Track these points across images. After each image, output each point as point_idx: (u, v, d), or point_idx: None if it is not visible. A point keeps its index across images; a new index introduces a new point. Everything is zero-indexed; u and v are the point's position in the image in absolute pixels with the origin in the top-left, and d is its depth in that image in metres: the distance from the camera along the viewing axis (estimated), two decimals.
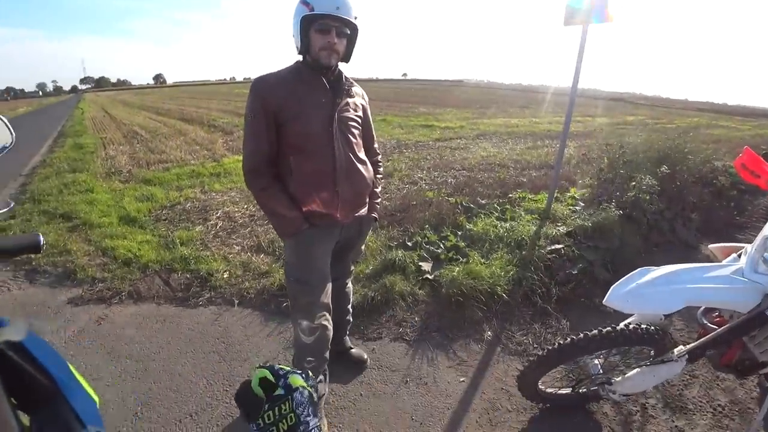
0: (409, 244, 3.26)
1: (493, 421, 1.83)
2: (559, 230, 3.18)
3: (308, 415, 0.56)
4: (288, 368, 0.61)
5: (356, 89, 1.65)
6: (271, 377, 0.57)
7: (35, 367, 0.52)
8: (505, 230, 3.25)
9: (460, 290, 2.53)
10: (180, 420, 1.89)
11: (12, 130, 1.01)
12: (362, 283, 2.79)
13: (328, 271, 1.65)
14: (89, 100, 43.93)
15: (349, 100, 1.58)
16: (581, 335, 1.51)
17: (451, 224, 3.60)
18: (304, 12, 1.39)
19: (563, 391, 1.81)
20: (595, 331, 1.49)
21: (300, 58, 1.53)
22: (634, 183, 3.64)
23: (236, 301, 2.78)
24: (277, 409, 0.55)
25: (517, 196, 4.31)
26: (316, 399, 0.58)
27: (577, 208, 3.76)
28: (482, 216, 3.67)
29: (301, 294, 1.60)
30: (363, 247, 1.93)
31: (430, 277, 2.78)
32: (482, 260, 2.88)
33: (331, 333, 1.70)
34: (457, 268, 2.72)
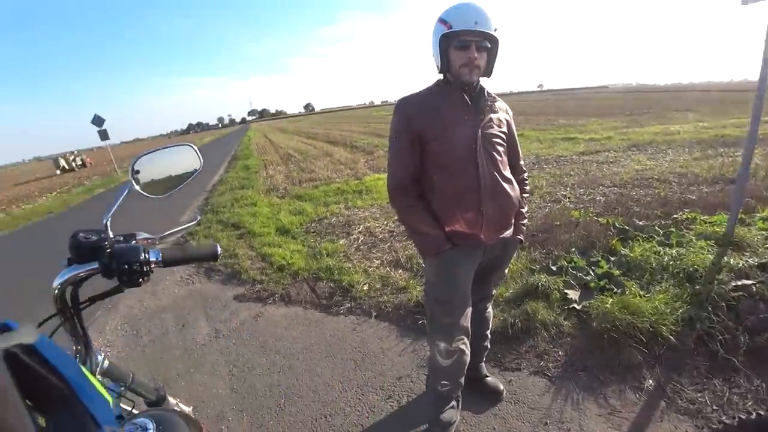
0: (554, 268, 2.99)
1: None
2: (747, 261, 2.58)
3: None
4: None
5: (500, 104, 1.59)
6: None
7: (48, 369, 0.53)
8: (670, 258, 2.78)
9: (614, 325, 2.21)
10: (315, 419, 2.03)
11: (201, 157, 1.19)
12: (501, 308, 2.64)
13: (470, 293, 1.60)
14: (254, 128, 51.76)
15: (493, 115, 1.53)
16: None
17: (603, 248, 3.22)
18: (442, 30, 1.40)
19: None
20: None
21: (440, 76, 1.53)
22: None
23: (374, 314, 2.89)
24: None
25: (685, 216, 3.65)
26: None
27: None
28: (640, 240, 3.20)
29: (441, 315, 1.58)
30: (506, 270, 1.83)
31: (577, 307, 2.50)
32: (642, 292, 2.49)
33: (468, 358, 1.64)
34: (611, 300, 2.40)
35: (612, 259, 3.01)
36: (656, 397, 1.92)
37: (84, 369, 0.62)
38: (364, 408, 2.07)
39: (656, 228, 3.43)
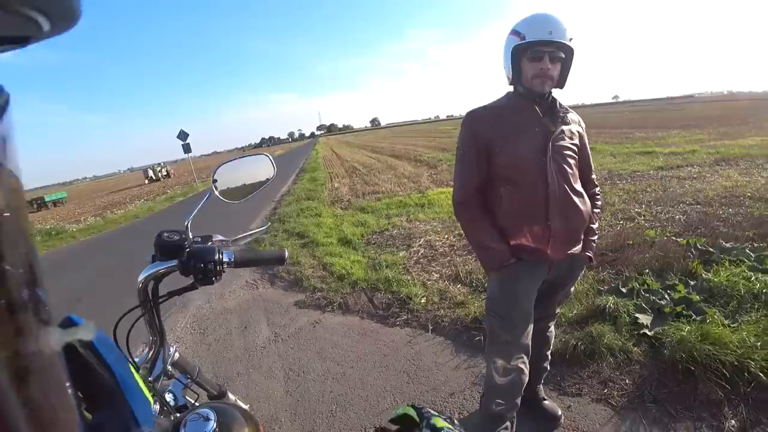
0: (623, 290, 2.80)
1: None
2: None
3: None
4: (434, 412, 0.59)
5: (572, 116, 1.55)
6: (415, 416, 0.56)
7: (102, 366, 0.56)
8: (763, 285, 2.49)
9: (692, 356, 2.01)
10: (365, 429, 2.06)
11: (275, 166, 1.29)
12: (563, 328, 2.52)
13: (532, 311, 1.56)
14: (322, 142, 53.94)
15: (565, 127, 1.49)
16: None
17: (681, 271, 2.96)
18: (515, 42, 1.40)
19: None
20: None
21: (511, 88, 1.53)
22: None
23: (430, 327, 2.89)
24: None
25: None
26: None
27: None
28: (727, 264, 2.90)
29: (501, 331, 1.56)
30: (572, 289, 1.76)
31: (649, 333, 2.32)
32: (726, 322, 2.25)
33: (526, 377, 1.59)
34: (688, 327, 2.19)
35: (691, 283, 2.76)
36: None
37: (133, 369, 0.66)
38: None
39: (747, 251, 3.10)
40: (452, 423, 0.58)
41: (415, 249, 4.48)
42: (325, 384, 2.44)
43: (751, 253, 3.05)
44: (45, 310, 0.24)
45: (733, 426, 1.78)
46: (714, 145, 9.88)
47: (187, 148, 18.31)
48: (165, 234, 0.92)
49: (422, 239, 4.77)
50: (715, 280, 2.69)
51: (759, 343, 2.02)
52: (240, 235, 1.13)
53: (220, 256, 0.90)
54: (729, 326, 2.20)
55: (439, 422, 0.56)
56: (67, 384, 0.28)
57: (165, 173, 34.90)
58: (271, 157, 1.30)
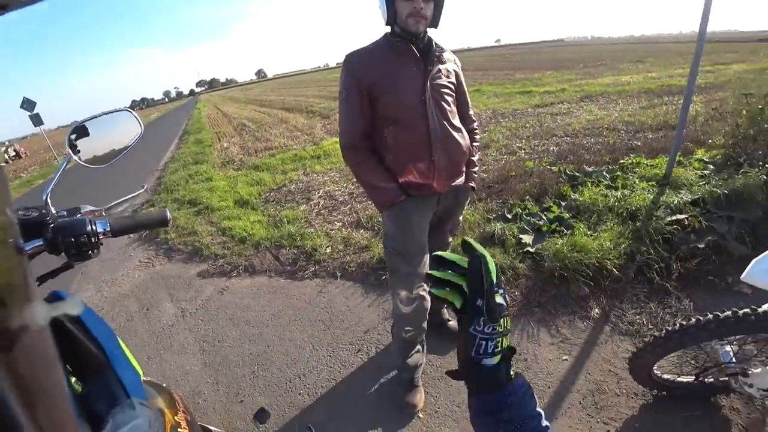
0: (509, 216, 3.12)
1: (598, 404, 1.70)
2: (682, 198, 2.78)
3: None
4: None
5: (447, 55, 1.59)
6: (494, 277, 0.51)
7: (89, 339, 0.57)
8: (615, 199, 2.95)
9: (565, 264, 2.36)
10: (290, 380, 2.09)
11: (141, 122, 1.15)
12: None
13: (426, 242, 1.65)
14: (204, 100, 49.16)
15: (441, 66, 1.54)
16: (710, 316, 1.28)
17: (554, 195, 3.37)
18: None
19: (684, 379, 1.59)
20: (729, 313, 1.25)
21: (388, 29, 1.52)
22: None
23: (339, 274, 2.94)
24: (505, 320, 0.50)
25: (630, 161, 3.85)
26: None
27: (706, 172, 3.24)
28: (589, 185, 3.36)
29: (400, 264, 1.63)
30: (461, 218, 1.89)
31: (531, 250, 2.64)
32: (589, 232, 2.65)
33: (428, 304, 1.71)
34: (561, 241, 2.55)
35: (563, 203, 3.17)
36: (601, 323, 2.12)
37: (120, 340, 0.63)
38: (335, 364, 2.15)
39: (604, 173, 3.61)
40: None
41: (315, 201, 4.45)
42: (243, 347, 2.40)
43: (607, 174, 3.56)
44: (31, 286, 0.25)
45: (597, 313, 2.18)
46: (580, 84, 11.08)
47: (36, 120, 15.10)
48: (20, 212, 0.79)
49: (321, 190, 4.74)
50: (581, 199, 3.11)
51: (613, 246, 2.45)
52: (113, 203, 1.00)
53: (93, 227, 0.80)
54: (591, 236, 2.59)
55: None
56: (56, 357, 0.28)
57: (13, 153, 28.68)
58: (134, 112, 1.15)
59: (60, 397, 0.30)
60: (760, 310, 1.23)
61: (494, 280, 0.50)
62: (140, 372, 0.63)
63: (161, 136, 15.16)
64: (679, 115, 3.18)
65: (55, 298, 0.57)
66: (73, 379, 0.58)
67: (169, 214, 0.96)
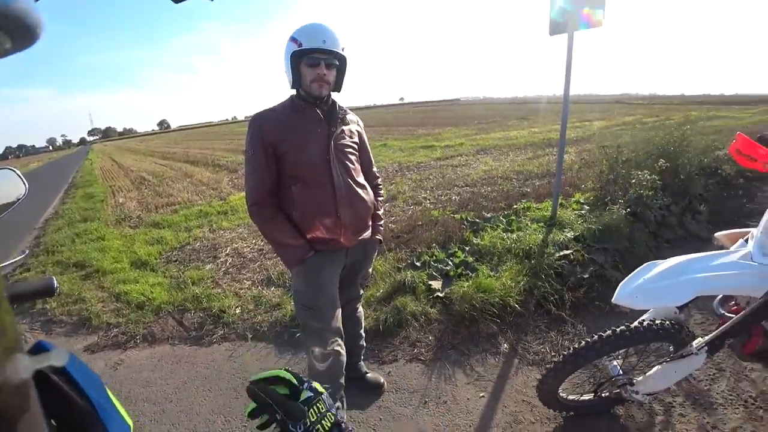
0: (418, 264, 3.24)
1: None
2: (566, 236, 3.16)
3: (341, 417, 0.58)
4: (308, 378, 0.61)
5: (350, 116, 1.69)
6: (294, 380, 0.58)
7: (76, 391, 0.53)
8: (512, 241, 3.24)
9: (472, 305, 2.51)
10: None
11: (25, 182, 1.05)
12: (374, 307, 2.77)
13: (337, 296, 1.67)
14: (97, 150, 45.15)
15: (344, 127, 1.63)
16: (595, 337, 1.49)
17: (458, 240, 3.59)
18: (293, 48, 1.46)
19: (585, 397, 1.77)
20: (609, 332, 1.47)
21: (294, 92, 1.58)
22: (633, 180, 3.64)
23: (250, 336, 2.77)
24: (315, 408, 0.56)
25: (522, 206, 4.29)
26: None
27: (582, 212, 3.74)
28: (489, 229, 3.66)
29: (312, 320, 1.61)
30: (370, 270, 1.94)
31: (440, 294, 2.76)
32: (492, 273, 2.86)
33: (344, 358, 1.69)
34: (467, 283, 2.71)
35: (467, 248, 3.38)
36: (511, 357, 2.27)
37: (110, 392, 0.58)
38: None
39: (501, 218, 3.97)
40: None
41: (222, 259, 4.22)
42: (143, 430, 2.11)
43: (503, 219, 3.92)
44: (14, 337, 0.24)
45: (506, 348, 2.34)
46: (475, 138, 12.29)
47: None
48: None
49: (228, 248, 4.52)
50: (482, 243, 3.36)
51: (513, 284, 2.66)
52: None
53: None
54: (494, 276, 2.80)
55: (319, 386, 0.59)
56: (40, 412, 0.27)
57: None
58: (18, 171, 1.05)
59: None
60: (632, 325, 1.46)
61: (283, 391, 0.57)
62: (131, 424, 0.58)
63: (42, 189, 13.45)
64: (556, 164, 3.68)
65: (39, 349, 0.52)
66: None
67: (55, 282, 0.87)
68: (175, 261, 4.43)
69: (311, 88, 1.50)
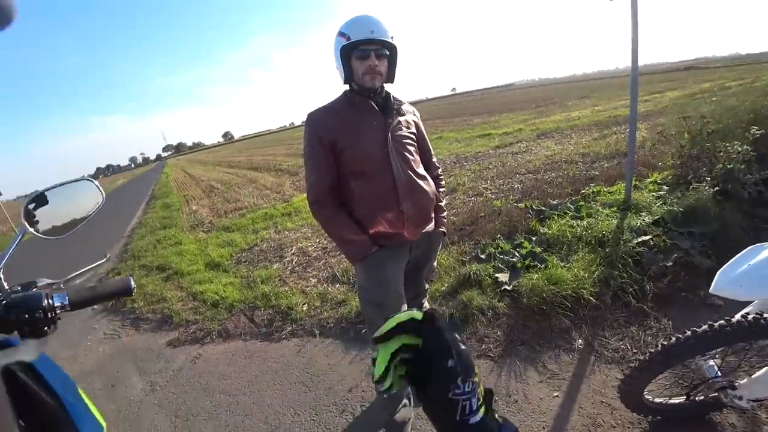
0: (483, 256, 3.13)
1: None
2: (644, 220, 2.90)
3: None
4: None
5: (406, 107, 1.65)
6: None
7: (45, 390, 0.52)
8: (582, 228, 3.03)
9: (542, 298, 2.37)
10: None
11: (102, 192, 1.12)
12: (439, 302, 2.72)
13: (402, 292, 1.63)
14: (171, 164, 48.87)
15: (401, 118, 1.59)
16: (688, 333, 1.29)
17: (524, 230, 3.43)
18: (342, 43, 1.44)
19: (675, 400, 1.57)
20: (705, 327, 1.26)
21: (347, 87, 1.57)
22: (721, 153, 3.25)
23: (317, 332, 2.84)
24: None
25: (591, 191, 4.02)
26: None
27: (661, 193, 3.41)
28: (556, 217, 3.45)
29: (377, 317, 1.60)
30: (435, 263, 1.88)
31: (508, 287, 2.64)
32: (562, 263, 2.69)
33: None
34: (536, 275, 2.56)
35: (533, 238, 3.22)
36: (586, 354, 2.10)
37: (81, 391, 0.58)
38: (319, 428, 2.02)
39: (568, 204, 3.74)
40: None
41: (288, 259, 4.36)
42: (219, 419, 2.23)
43: (571, 206, 3.68)
44: None
45: (580, 344, 2.17)
46: (534, 123, 11.73)
47: None
48: None
49: (294, 247, 4.67)
50: (550, 232, 3.18)
51: (586, 275, 2.47)
52: (72, 275, 0.95)
53: (50, 301, 0.74)
54: (565, 267, 2.62)
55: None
56: (9, 411, 0.27)
57: None
58: (95, 181, 1.12)
59: None
60: (733, 320, 1.24)
61: (454, 335, 0.46)
62: (103, 424, 0.57)
63: (127, 202, 14.84)
64: (628, 142, 3.38)
65: (5, 344, 0.53)
66: None
67: (132, 282, 0.92)
68: (245, 262, 4.66)
69: (364, 80, 1.48)
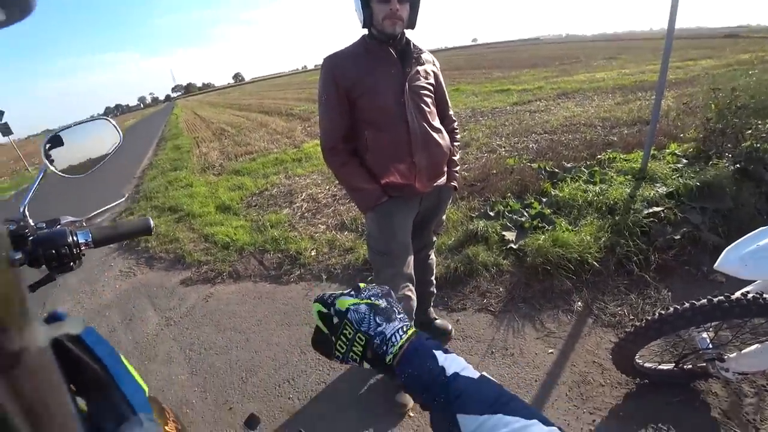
0: (491, 213, 3.16)
1: (584, 395, 1.74)
2: (657, 191, 2.86)
3: (379, 325, 0.51)
4: (338, 292, 0.57)
5: (426, 56, 1.61)
6: (324, 308, 0.55)
7: (91, 357, 0.57)
8: (594, 194, 3.01)
9: (547, 259, 2.41)
10: (279, 385, 2.08)
11: (120, 131, 1.13)
12: (445, 255, 2.78)
13: (410, 243, 1.67)
14: (181, 105, 48.23)
15: (419, 68, 1.55)
16: (687, 305, 1.33)
17: (535, 191, 3.42)
18: None
19: (664, 367, 1.64)
20: (704, 301, 1.30)
21: (365, 31, 1.52)
22: (750, 131, 3.14)
23: (324, 277, 2.94)
24: (342, 336, 0.52)
25: (607, 157, 3.92)
26: (385, 305, 0.54)
27: (679, 165, 3.33)
28: (568, 181, 3.42)
29: (384, 265, 1.64)
30: (444, 217, 1.91)
31: (514, 246, 2.68)
32: (570, 227, 2.70)
33: (414, 303, 1.72)
34: (543, 236, 2.59)
35: (544, 200, 3.22)
36: (584, 316, 2.17)
37: (124, 358, 0.63)
38: (324, 367, 2.14)
39: (582, 169, 3.69)
40: (358, 292, 0.56)
41: (297, 204, 4.42)
42: (230, 354, 2.37)
43: (585, 170, 3.63)
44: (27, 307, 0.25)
45: (579, 306, 2.24)
46: (556, 81, 11.27)
47: (5, 130, 14.66)
48: None
49: (304, 193, 4.72)
50: (561, 195, 3.17)
51: (593, 240, 2.50)
52: (93, 213, 0.98)
53: (75, 238, 0.78)
54: (572, 230, 2.64)
55: (343, 303, 0.54)
56: (60, 378, 0.28)
57: None
58: (113, 121, 1.13)
59: (66, 417, 0.29)
60: (733, 297, 1.28)
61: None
62: (145, 388, 0.62)
63: (137, 143, 14.84)
64: (652, 110, 3.28)
65: (54, 318, 0.57)
66: (78, 399, 0.58)
67: (152, 222, 0.96)
68: (255, 206, 4.73)
69: (384, 25, 1.42)
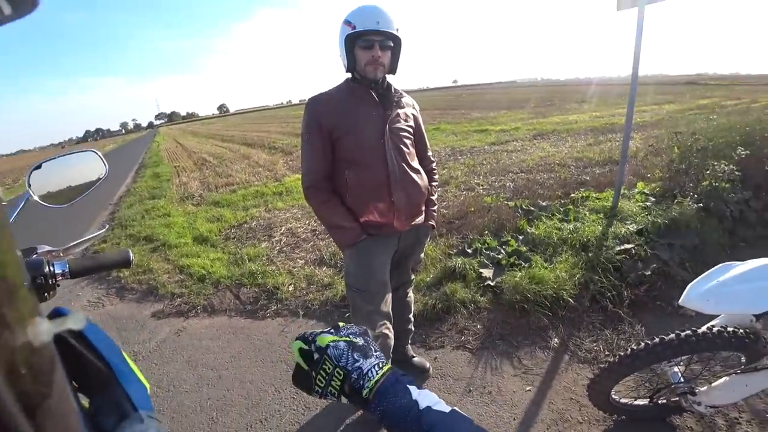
0: (469, 251, 3.20)
1: None
2: (628, 229, 2.97)
3: (356, 360, 0.54)
4: (318, 330, 0.59)
5: (406, 99, 1.68)
6: (305, 345, 0.57)
7: (93, 354, 0.56)
8: (568, 232, 3.10)
9: (524, 296, 2.44)
10: (251, 425, 2.00)
11: (105, 163, 1.13)
12: (423, 292, 2.79)
13: (388, 280, 1.68)
14: (163, 133, 48.00)
15: (400, 111, 1.62)
16: (657, 339, 1.38)
17: (512, 229, 3.49)
18: (347, 31, 1.46)
19: (640, 402, 1.66)
20: (673, 335, 1.35)
21: (349, 75, 1.59)
22: (708, 171, 3.33)
23: (301, 313, 2.89)
24: (322, 371, 0.54)
25: (580, 195, 4.08)
26: (363, 342, 0.57)
27: (647, 204, 3.49)
28: (544, 219, 3.52)
29: (362, 303, 1.64)
30: (422, 255, 1.94)
31: (491, 283, 2.71)
32: (545, 264, 2.76)
33: (392, 341, 1.71)
34: (520, 274, 2.63)
35: (520, 237, 3.29)
36: (561, 352, 2.19)
37: (126, 355, 0.62)
38: (299, 406, 2.07)
39: (557, 207, 3.81)
40: (338, 330, 0.59)
41: (277, 238, 4.39)
42: (201, 392, 2.27)
43: (560, 208, 3.75)
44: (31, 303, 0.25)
45: (556, 342, 2.26)
46: (532, 123, 11.76)
47: None
48: None
49: (283, 227, 4.69)
50: (536, 232, 3.24)
51: (568, 277, 2.56)
52: (71, 243, 0.97)
53: (51, 268, 0.77)
54: (547, 267, 2.70)
55: (323, 340, 0.56)
56: (63, 374, 0.28)
57: None
58: (99, 153, 1.14)
59: (68, 414, 0.29)
60: (700, 330, 1.33)
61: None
62: (147, 385, 0.61)
63: (116, 169, 14.61)
64: (621, 151, 3.45)
65: (57, 314, 0.55)
66: (80, 395, 0.56)
67: (131, 254, 0.95)
68: (234, 238, 4.67)
69: (366, 71, 1.50)
